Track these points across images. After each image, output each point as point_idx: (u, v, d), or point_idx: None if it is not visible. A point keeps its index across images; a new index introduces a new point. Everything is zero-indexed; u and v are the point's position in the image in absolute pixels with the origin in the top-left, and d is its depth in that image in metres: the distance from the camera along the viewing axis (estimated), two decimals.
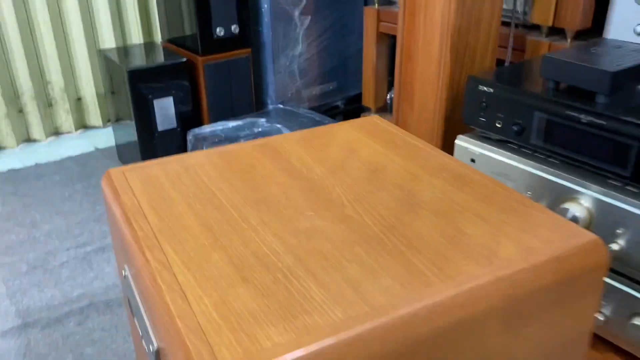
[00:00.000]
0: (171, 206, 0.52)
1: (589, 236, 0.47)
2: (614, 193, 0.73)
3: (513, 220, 0.49)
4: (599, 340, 0.83)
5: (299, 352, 0.36)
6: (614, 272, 0.77)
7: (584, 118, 0.75)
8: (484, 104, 0.87)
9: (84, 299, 1.09)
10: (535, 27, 1.12)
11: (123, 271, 0.53)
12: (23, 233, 1.31)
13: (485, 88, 0.86)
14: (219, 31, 1.46)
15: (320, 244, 0.46)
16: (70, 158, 1.68)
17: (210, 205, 0.52)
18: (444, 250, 0.45)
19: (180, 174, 0.58)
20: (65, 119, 1.82)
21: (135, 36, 1.83)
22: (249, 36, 1.52)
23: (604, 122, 0.73)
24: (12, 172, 1.60)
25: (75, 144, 1.78)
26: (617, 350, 0.82)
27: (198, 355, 0.35)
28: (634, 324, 0.74)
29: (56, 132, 1.84)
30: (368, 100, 1.51)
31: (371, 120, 0.72)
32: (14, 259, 1.21)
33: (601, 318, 0.79)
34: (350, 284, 0.42)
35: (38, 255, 1.22)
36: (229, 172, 0.58)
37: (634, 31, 0.98)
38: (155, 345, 0.42)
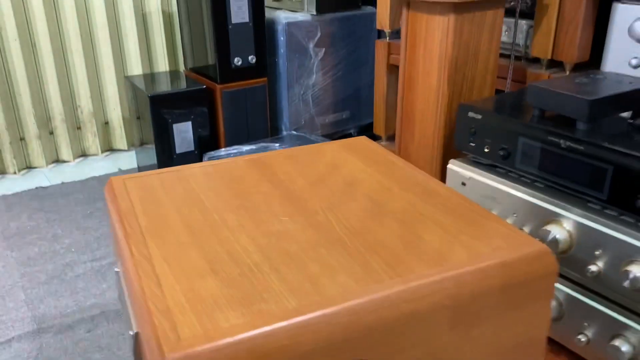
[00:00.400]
0: (160, 209, 0.58)
1: (538, 245, 0.51)
2: (592, 216, 0.76)
3: (469, 230, 0.53)
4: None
5: (252, 333, 0.40)
6: (595, 294, 0.79)
7: (564, 143, 0.78)
8: (473, 130, 0.91)
9: (95, 308, 1.15)
10: (537, 60, 1.16)
11: (116, 268, 0.58)
12: (45, 246, 1.38)
13: (474, 115, 0.91)
14: (237, 61, 1.54)
15: (288, 245, 0.51)
16: (94, 178, 1.77)
17: (195, 209, 0.57)
18: (400, 253, 0.49)
19: (174, 182, 0.64)
20: (92, 141, 1.92)
21: (162, 64, 1.93)
22: (266, 66, 1.60)
23: (582, 147, 0.76)
24: (40, 189, 1.69)
25: (100, 165, 1.87)
26: None
27: (163, 332, 0.40)
28: (613, 345, 0.76)
29: (83, 154, 1.94)
30: (379, 128, 1.56)
31: (360, 141, 0.77)
32: (34, 269, 1.29)
33: (583, 339, 0.80)
34: (309, 279, 0.46)
35: (57, 267, 1.30)
36: (218, 181, 0.63)
37: (629, 64, 1.02)
38: (135, 329, 0.47)
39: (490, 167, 0.92)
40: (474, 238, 0.52)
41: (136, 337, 0.47)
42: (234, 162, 0.69)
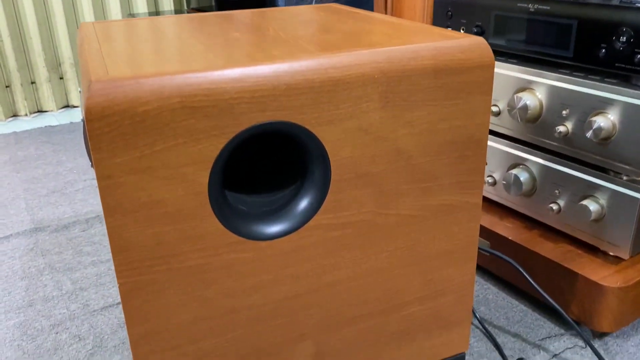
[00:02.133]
0: (118, 31, 0.60)
1: (474, 38, 0.52)
2: (561, 76, 0.76)
3: (412, 34, 0.54)
4: (554, 233, 0.85)
5: (180, 76, 0.42)
6: (565, 158, 0.79)
7: (532, 7, 0.79)
8: (450, 13, 0.92)
9: (92, 213, 1.19)
10: None
11: (79, 88, 0.61)
12: (49, 169, 1.43)
13: None
14: None
15: (232, 42, 0.53)
16: None
17: (151, 31, 0.60)
18: (337, 44, 0.51)
19: (144, 24, 0.66)
20: None
21: (167, 4, 1.97)
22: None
23: (548, 7, 0.76)
24: (49, 127, 1.75)
25: None
26: (572, 239, 0.84)
27: (94, 71, 0.42)
28: (582, 205, 0.76)
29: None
30: None
31: (334, 6, 0.79)
32: (37, 186, 1.34)
33: (555, 208, 0.81)
34: (245, 53, 0.48)
35: (58, 184, 1.34)
36: (188, 25, 0.66)
37: None
38: (82, 115, 0.50)
39: None
40: (413, 36, 0.53)
41: (83, 122, 0.49)
42: (211, 16, 0.71)
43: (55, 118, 1.84)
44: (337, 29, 0.59)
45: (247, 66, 0.44)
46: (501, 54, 0.88)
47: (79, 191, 1.30)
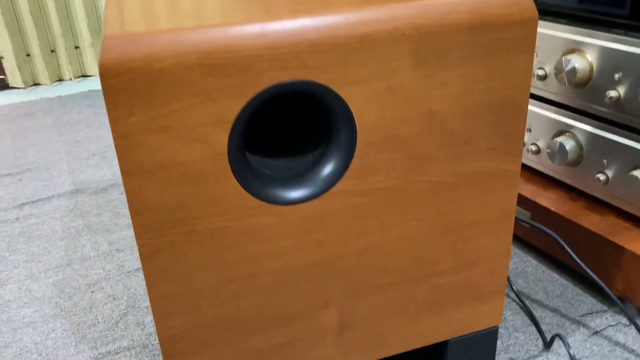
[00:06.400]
0: None
1: None
2: (616, 37, 0.70)
3: None
4: (600, 205, 0.81)
5: (195, 31, 0.40)
6: (615, 125, 0.74)
7: None
8: None
9: None
10: None
11: None
12: (91, 132, 1.46)
13: None
14: None
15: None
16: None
17: None
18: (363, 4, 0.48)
19: None
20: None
21: None
22: None
23: None
24: (92, 91, 1.77)
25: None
26: (619, 212, 0.79)
27: (110, 27, 0.41)
28: (632, 175, 0.71)
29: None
30: None
31: None
32: (79, 149, 1.36)
33: (602, 178, 0.76)
34: (263, 5, 0.46)
35: (99, 147, 1.36)
36: None
37: None
38: None
39: None
40: None
41: None
42: None
43: (98, 82, 1.87)
44: None
45: (268, 21, 0.42)
46: (549, 13, 0.82)
47: None
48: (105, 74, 0.39)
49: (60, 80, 1.90)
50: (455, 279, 0.57)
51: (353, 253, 0.52)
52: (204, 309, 0.49)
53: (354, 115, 0.46)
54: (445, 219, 0.53)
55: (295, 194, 0.48)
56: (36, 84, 1.86)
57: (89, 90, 1.78)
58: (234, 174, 0.45)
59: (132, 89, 0.40)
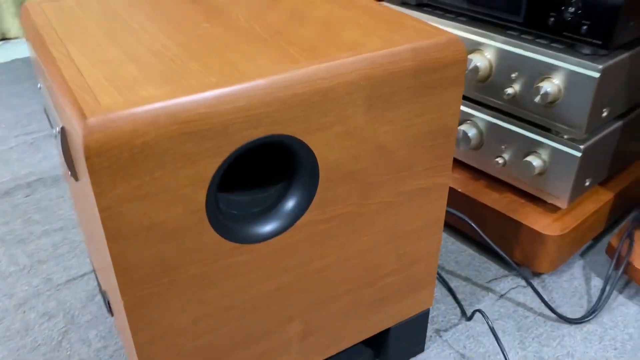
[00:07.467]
0: (78, 22, 0.56)
1: (448, 34, 0.53)
2: (511, 40, 0.79)
3: (387, 26, 0.55)
4: (500, 184, 0.92)
5: (173, 101, 0.42)
6: (511, 117, 0.84)
7: None
8: None
9: (32, 175, 1.14)
10: None
11: (39, 83, 0.58)
12: None
13: None
14: None
15: (209, 42, 0.52)
16: (18, 60, 1.68)
17: (114, 21, 0.57)
18: (319, 45, 0.51)
19: (91, 2, 0.62)
20: (12, 23, 1.81)
21: None
22: None
23: None
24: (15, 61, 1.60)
25: (23, 48, 1.77)
26: (515, 190, 0.91)
27: (84, 102, 0.41)
28: (526, 161, 0.82)
29: (4, 38, 1.83)
30: None
31: None
32: None
33: (500, 161, 0.87)
34: (230, 63, 0.47)
35: None
36: (145, 6, 0.62)
37: None
38: (60, 125, 0.48)
39: (419, 7, 0.93)
40: (389, 31, 0.54)
41: (62, 132, 0.48)
42: None
43: (20, 48, 1.68)
44: (307, 16, 0.58)
45: (240, 84, 0.44)
46: (451, 12, 0.90)
47: (12, 150, 1.23)
48: (90, 155, 0.39)
49: None
50: (397, 278, 0.65)
51: (314, 272, 0.57)
52: (183, 344, 0.53)
53: (317, 158, 0.50)
54: (391, 230, 0.60)
55: (266, 229, 0.52)
56: None
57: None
58: (211, 225, 0.48)
59: (116, 164, 0.41)
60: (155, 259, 0.46)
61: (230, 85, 0.44)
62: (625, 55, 0.75)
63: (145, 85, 0.43)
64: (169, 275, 0.48)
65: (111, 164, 0.40)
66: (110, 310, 0.68)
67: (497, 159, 0.87)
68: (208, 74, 0.46)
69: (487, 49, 0.82)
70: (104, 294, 0.70)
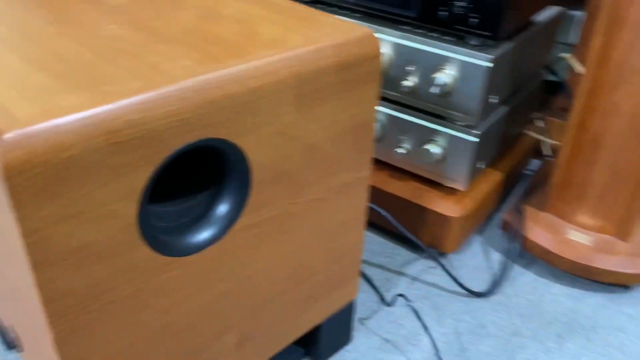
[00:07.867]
0: None
1: (364, 30, 0.54)
2: (406, 34, 0.83)
3: (303, 24, 0.55)
4: (403, 173, 0.96)
5: (98, 109, 0.38)
6: (410, 108, 0.88)
7: None
8: None
9: None
10: None
11: None
12: None
13: None
14: None
15: (121, 45, 0.48)
16: None
17: (1, 25, 0.51)
18: (240, 43, 0.50)
19: None
20: None
21: None
22: None
23: None
24: None
25: None
26: (417, 177, 0.96)
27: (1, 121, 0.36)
28: (425, 149, 0.87)
29: None
30: None
31: None
32: None
33: (400, 151, 0.91)
34: (150, 65, 0.44)
35: None
36: (28, 3, 0.56)
37: None
38: None
39: (312, 3, 0.94)
40: (307, 29, 0.54)
41: None
42: None
43: None
44: (220, 14, 0.56)
45: (167, 86, 0.41)
46: (346, 9, 0.92)
47: None
48: (10, 174, 0.35)
49: None
50: (327, 274, 0.65)
51: (247, 278, 0.56)
52: None
53: (249, 160, 0.49)
54: (319, 227, 0.60)
55: (200, 239, 0.49)
56: None
57: None
58: (144, 239, 0.44)
59: (40, 182, 0.36)
60: (87, 283, 0.42)
61: (157, 89, 0.41)
62: (511, 44, 0.81)
63: (62, 94, 0.39)
64: (101, 299, 0.44)
65: (35, 182, 0.36)
66: (11, 346, 0.61)
67: (398, 149, 0.91)
68: (129, 78, 0.42)
69: (383, 44, 0.85)
70: (3, 330, 0.63)
